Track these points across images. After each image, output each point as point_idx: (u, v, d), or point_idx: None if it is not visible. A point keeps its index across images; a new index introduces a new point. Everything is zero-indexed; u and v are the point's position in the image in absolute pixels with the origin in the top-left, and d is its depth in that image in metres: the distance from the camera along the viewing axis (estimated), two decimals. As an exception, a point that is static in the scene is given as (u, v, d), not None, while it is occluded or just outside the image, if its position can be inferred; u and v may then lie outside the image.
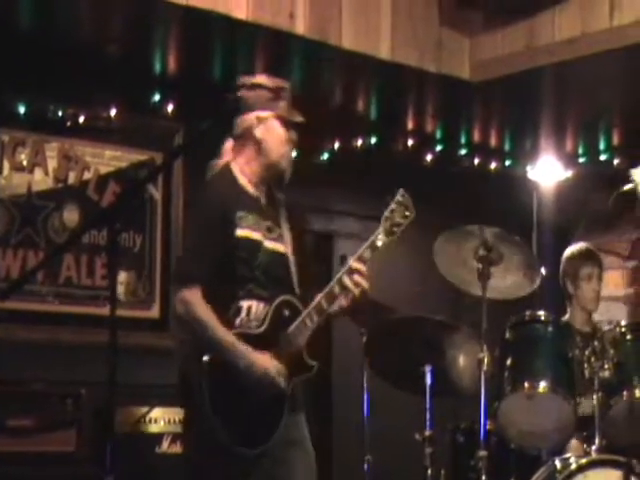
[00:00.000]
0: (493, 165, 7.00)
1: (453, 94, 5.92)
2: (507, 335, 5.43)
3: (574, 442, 5.39)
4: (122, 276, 5.49)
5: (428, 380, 5.40)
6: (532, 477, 5.23)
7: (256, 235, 3.80)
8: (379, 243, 3.86)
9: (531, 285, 5.47)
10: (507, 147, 6.94)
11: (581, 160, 7.03)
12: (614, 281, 6.95)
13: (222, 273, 3.73)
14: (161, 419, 4.96)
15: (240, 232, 3.76)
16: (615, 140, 6.74)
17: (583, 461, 5.09)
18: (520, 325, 5.45)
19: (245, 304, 3.76)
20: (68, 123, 5.43)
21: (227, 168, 3.85)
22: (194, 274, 3.70)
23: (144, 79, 5.54)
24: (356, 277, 3.79)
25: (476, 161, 6.95)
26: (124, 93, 5.54)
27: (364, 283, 3.80)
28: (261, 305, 3.79)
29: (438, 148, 6.71)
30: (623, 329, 5.38)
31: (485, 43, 5.70)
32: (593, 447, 5.20)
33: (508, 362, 5.36)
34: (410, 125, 6.44)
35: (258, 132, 3.83)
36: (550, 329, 5.44)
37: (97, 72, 5.32)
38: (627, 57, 5.31)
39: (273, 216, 3.90)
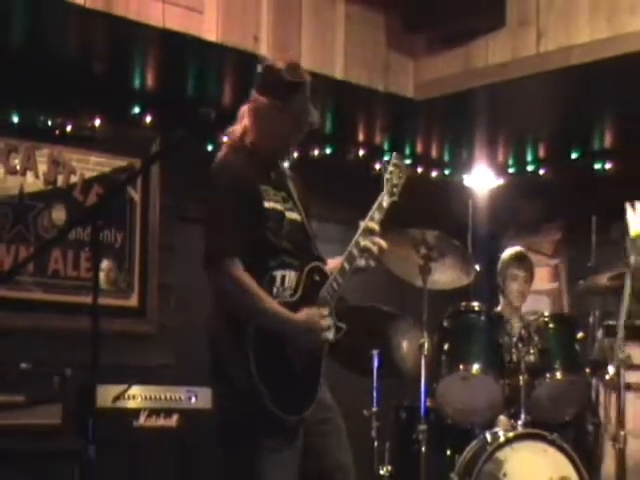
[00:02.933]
0: (434, 174, 7.02)
1: (399, 110, 5.94)
2: (445, 323, 5.46)
3: (502, 418, 5.42)
4: (104, 268, 5.46)
5: (375, 363, 5.42)
6: (466, 449, 5.26)
7: (279, 206, 3.57)
8: (384, 204, 3.74)
9: (466, 279, 5.52)
10: (446, 158, 6.97)
11: (511, 170, 7.06)
12: (540, 276, 6.97)
13: (254, 245, 3.46)
14: (138, 396, 4.93)
15: (267, 204, 3.52)
16: (541, 153, 6.78)
17: (510, 435, 5.14)
18: (456, 314, 5.48)
19: (278, 274, 3.51)
20: (56, 132, 5.40)
21: (242, 143, 3.58)
22: (233, 248, 3.42)
23: (125, 93, 5.51)
24: (373, 238, 3.63)
25: (419, 170, 6.97)
26: (107, 106, 5.50)
27: (381, 241, 3.65)
28: (292, 273, 3.54)
29: (386, 158, 6.71)
30: (546, 319, 5.44)
31: (427, 65, 5.71)
32: (519, 422, 5.25)
33: (445, 347, 5.40)
34: (361, 137, 6.45)
35: (268, 120, 3.56)
36: (483, 318, 5.47)
37: (83, 86, 5.29)
38: (551, 80, 5.35)
39: (284, 187, 3.65)
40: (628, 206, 3.79)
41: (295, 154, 5.15)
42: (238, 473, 3.47)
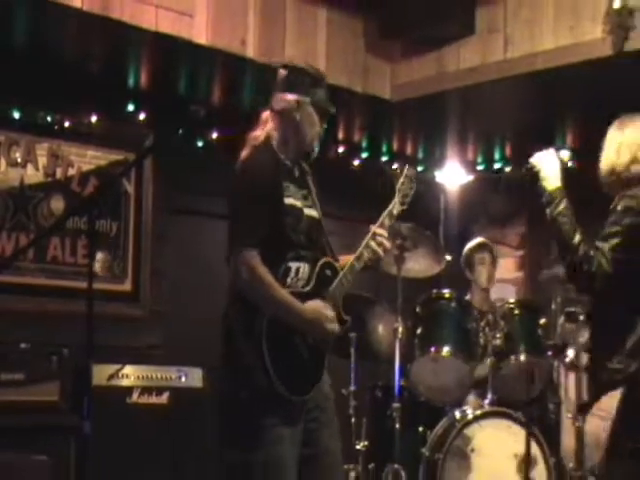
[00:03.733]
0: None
1: (376, 111, 5.93)
2: (418, 309, 5.48)
3: (471, 397, 5.46)
4: (100, 255, 5.46)
5: (353, 345, 5.44)
6: (437, 425, 5.29)
7: (298, 203, 3.59)
8: (395, 211, 3.79)
9: (438, 268, 5.54)
10: (420, 155, 6.96)
11: (479, 167, 7.07)
12: (506, 267, 7.01)
13: (273, 238, 3.47)
14: (131, 375, 4.92)
15: (287, 201, 3.54)
16: (507, 151, 6.80)
17: (478, 412, 5.17)
18: (428, 301, 5.50)
19: (294, 265, 3.53)
20: (56, 127, 5.37)
21: (268, 142, 3.58)
22: (253, 239, 3.44)
23: (120, 92, 5.48)
24: (380, 239, 3.68)
25: (395, 166, 6.96)
26: (103, 103, 5.48)
27: (387, 244, 3.71)
28: (306, 266, 3.57)
29: (364, 155, 6.72)
30: (512, 306, 5.47)
31: (402, 69, 5.70)
32: (486, 401, 5.28)
33: (418, 331, 5.41)
34: (341, 135, 6.44)
35: (297, 115, 3.57)
36: (453, 305, 5.49)
37: (81, 85, 5.26)
38: (517, 84, 5.34)
39: (305, 185, 3.68)
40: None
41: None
42: (241, 448, 3.47)
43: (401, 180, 3.84)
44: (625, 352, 3.43)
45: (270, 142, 3.60)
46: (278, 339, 3.44)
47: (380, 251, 3.69)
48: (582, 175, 3.61)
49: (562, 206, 3.45)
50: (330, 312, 3.56)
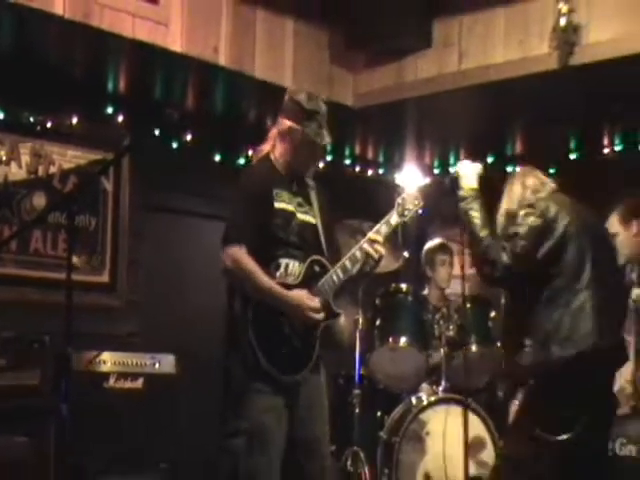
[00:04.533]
0: (370, 172, 7.03)
1: (340, 117, 5.87)
2: (377, 302, 5.50)
3: (426, 385, 5.49)
4: (79, 249, 5.41)
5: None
6: (394, 411, 5.32)
7: (290, 207, 3.72)
8: (392, 221, 3.86)
9: (396, 264, 5.55)
10: (380, 158, 6.97)
11: (436, 171, 7.09)
12: (460, 263, 7.03)
13: (264, 237, 3.63)
14: (108, 361, 4.89)
15: (277, 205, 3.68)
16: (461, 156, 6.82)
17: (432, 399, 5.20)
18: (387, 295, 5.53)
19: (283, 262, 3.66)
20: (38, 127, 5.31)
21: (268, 156, 3.78)
22: (240, 236, 3.59)
23: (99, 95, 5.44)
24: (375, 246, 3.77)
25: (357, 169, 6.98)
26: (83, 105, 5.43)
27: (381, 250, 3.78)
28: (296, 263, 3.69)
29: (329, 158, 6.73)
30: (464, 300, 5.49)
31: (364, 79, 5.70)
32: (440, 388, 5.31)
33: (377, 323, 5.45)
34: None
35: (289, 139, 3.74)
36: (409, 298, 5.53)
37: (62, 88, 5.22)
38: (471, 93, 5.36)
39: (303, 195, 3.81)
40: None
41: (249, 152, 5.13)
42: (229, 414, 3.63)
43: (403, 195, 3.92)
44: (534, 342, 3.54)
45: (269, 156, 3.79)
46: (265, 323, 3.57)
47: (374, 254, 3.77)
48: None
49: (475, 203, 3.74)
50: (314, 302, 3.65)
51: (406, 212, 3.88)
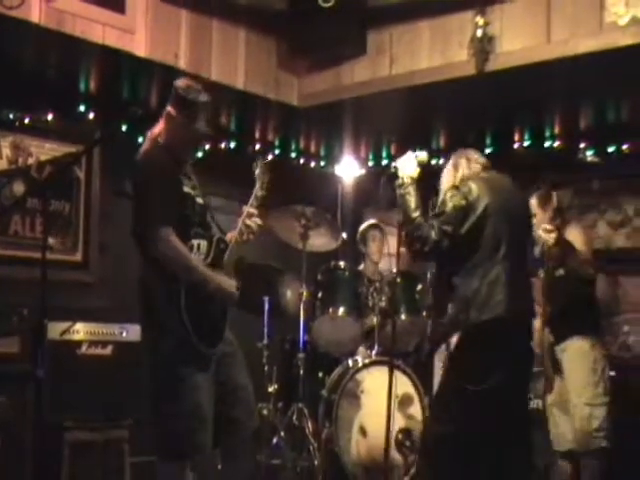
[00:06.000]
0: (312, 164, 7.04)
1: (286, 115, 5.93)
2: (319, 277, 5.52)
3: (361, 349, 5.53)
4: (54, 231, 5.35)
5: (266, 306, 5.46)
6: (333, 371, 5.35)
7: (191, 191, 3.60)
8: (258, 194, 3.80)
9: (335, 244, 5.59)
10: (322, 152, 6.98)
11: (370, 163, 7.12)
12: (392, 243, 7.06)
13: (178, 219, 3.47)
14: (81, 331, 4.85)
15: (185, 189, 3.56)
16: (393, 150, 6.86)
17: (367, 361, 5.24)
18: (327, 271, 5.55)
19: (195, 242, 3.54)
20: (17, 123, 5.22)
21: (157, 141, 3.57)
22: (167, 218, 3.41)
23: (72, 94, 5.35)
24: (253, 218, 3.74)
25: (301, 161, 6.98)
26: (58, 104, 5.35)
27: (258, 221, 3.75)
28: (204, 242, 3.58)
29: (277, 152, 6.72)
30: (395, 275, 5.53)
31: (307, 81, 5.68)
32: (373, 352, 5.35)
33: (319, 295, 5.47)
34: (257, 135, 6.41)
35: (172, 124, 3.56)
36: (347, 274, 5.55)
37: (39, 88, 5.14)
38: (400, 95, 5.37)
39: (191, 178, 3.67)
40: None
41: (207, 147, 5.05)
42: (165, 394, 3.46)
43: (257, 171, 3.85)
44: (459, 306, 3.59)
45: (159, 140, 3.60)
46: (193, 300, 3.42)
47: (254, 226, 3.74)
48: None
49: (410, 189, 3.72)
50: (232, 281, 3.59)
51: (264, 184, 3.83)
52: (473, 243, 3.61)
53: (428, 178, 3.90)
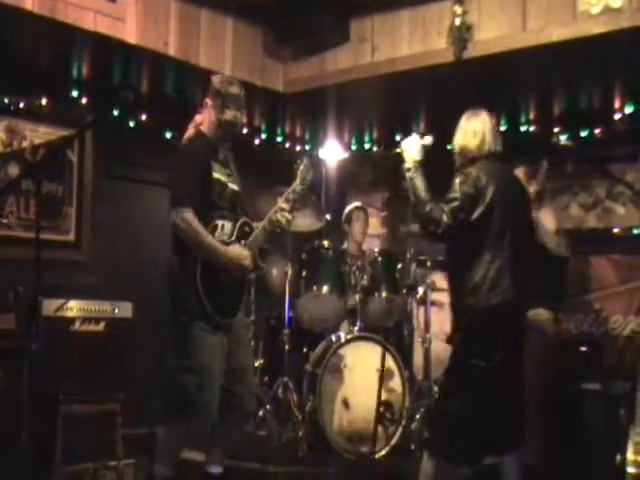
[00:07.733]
0: (298, 147, 7.05)
1: (272, 101, 5.93)
2: (303, 256, 5.55)
3: (344, 325, 5.57)
4: (48, 212, 5.34)
5: (253, 284, 5.47)
6: (317, 347, 5.39)
7: (223, 178, 3.82)
8: (298, 189, 4.00)
9: (319, 224, 5.62)
10: (307, 136, 6.98)
11: (353, 147, 7.13)
12: (374, 224, 7.10)
13: (205, 202, 3.72)
14: (74, 308, 4.86)
15: (215, 175, 3.78)
16: (375, 134, 6.88)
17: (349, 337, 5.28)
18: (312, 250, 5.57)
19: (220, 222, 3.78)
20: (12, 107, 5.21)
21: (199, 129, 3.86)
22: (189, 200, 3.66)
23: (66, 80, 5.34)
24: (284, 213, 3.94)
25: (287, 145, 6.99)
26: (52, 89, 5.35)
27: (288, 215, 3.94)
28: (229, 224, 3.83)
29: (263, 136, 6.72)
30: (376, 254, 5.59)
31: (292, 68, 5.69)
32: (355, 328, 5.39)
33: (304, 274, 5.49)
34: (245, 120, 6.40)
35: (211, 113, 3.85)
36: (331, 253, 5.57)
37: (34, 73, 5.14)
38: (381, 81, 5.38)
39: (228, 165, 3.91)
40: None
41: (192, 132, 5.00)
42: (183, 350, 3.71)
43: (301, 167, 4.04)
44: (466, 291, 3.63)
45: (200, 128, 3.88)
46: (208, 275, 3.66)
47: (283, 220, 3.93)
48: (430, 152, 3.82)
49: (418, 173, 3.70)
50: (246, 253, 3.80)
51: (305, 181, 4.03)
52: (481, 230, 3.61)
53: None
